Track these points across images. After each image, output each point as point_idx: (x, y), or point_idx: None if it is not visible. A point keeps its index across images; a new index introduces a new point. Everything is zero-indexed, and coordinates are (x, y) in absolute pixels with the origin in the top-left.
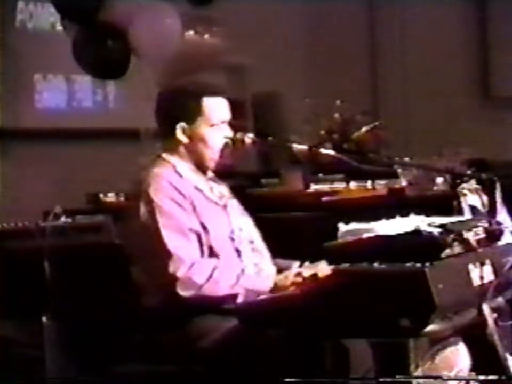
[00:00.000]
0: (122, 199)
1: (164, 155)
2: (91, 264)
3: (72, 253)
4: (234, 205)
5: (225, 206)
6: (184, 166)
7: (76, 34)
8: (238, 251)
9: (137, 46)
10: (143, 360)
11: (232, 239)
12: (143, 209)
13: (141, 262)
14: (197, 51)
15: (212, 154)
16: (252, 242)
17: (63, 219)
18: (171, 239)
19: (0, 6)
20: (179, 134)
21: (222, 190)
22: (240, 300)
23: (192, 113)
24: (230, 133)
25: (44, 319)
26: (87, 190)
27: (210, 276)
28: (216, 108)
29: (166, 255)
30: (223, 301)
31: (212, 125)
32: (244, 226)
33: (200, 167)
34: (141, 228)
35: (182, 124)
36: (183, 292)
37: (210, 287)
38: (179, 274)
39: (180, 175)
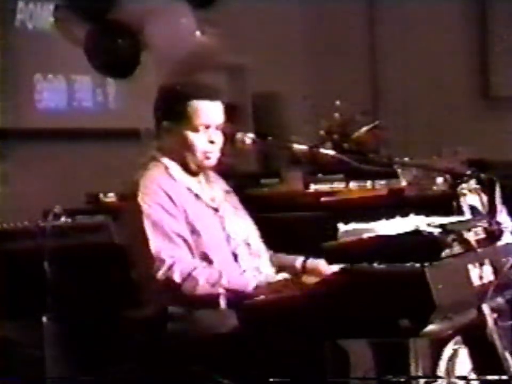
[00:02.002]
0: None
1: (157, 155)
2: (91, 264)
3: (72, 253)
4: (228, 208)
5: (217, 209)
6: (176, 168)
7: (88, 32)
8: (234, 255)
9: (152, 45)
10: (143, 360)
11: (228, 243)
12: (130, 211)
13: (131, 263)
14: (203, 51)
15: (193, 157)
16: (248, 245)
17: (63, 219)
18: (155, 242)
19: (0, 6)
20: (164, 133)
21: (215, 192)
22: (221, 300)
23: (176, 114)
24: (217, 138)
25: (44, 319)
26: (87, 190)
27: (189, 274)
28: (203, 112)
29: (149, 257)
30: (203, 300)
31: (195, 128)
32: (239, 229)
33: (186, 169)
34: (128, 230)
35: (166, 123)
36: (163, 293)
37: (189, 286)
38: (159, 275)
39: (173, 178)
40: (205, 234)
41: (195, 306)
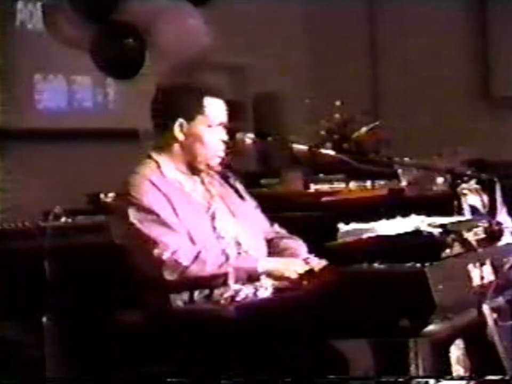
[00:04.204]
0: None
1: (153, 154)
2: (91, 264)
3: (72, 253)
4: (221, 206)
5: (209, 208)
6: (171, 166)
7: (94, 33)
8: (224, 254)
9: (159, 45)
10: (143, 360)
11: (218, 242)
12: (124, 205)
13: (131, 259)
14: (206, 51)
15: (206, 155)
16: (238, 244)
17: (63, 219)
18: (153, 228)
19: (0, 7)
20: (176, 131)
21: (210, 190)
22: (230, 279)
23: (192, 110)
24: (225, 137)
25: (44, 319)
26: (87, 190)
27: (197, 257)
28: (216, 109)
29: (151, 243)
30: (211, 281)
31: (210, 125)
32: (231, 227)
33: (192, 166)
34: (125, 225)
35: (181, 120)
36: (169, 276)
37: (197, 268)
38: (164, 257)
39: (164, 175)
40: (193, 232)
41: (202, 287)
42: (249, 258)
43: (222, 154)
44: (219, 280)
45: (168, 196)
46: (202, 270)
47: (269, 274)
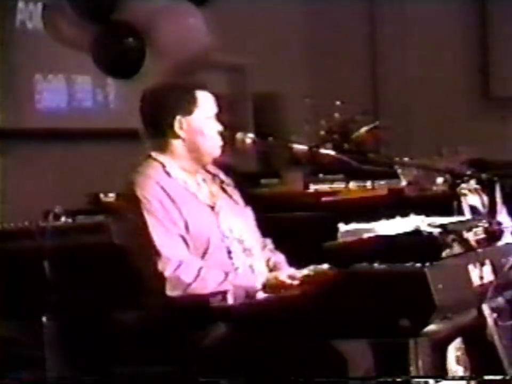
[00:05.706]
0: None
1: (154, 154)
2: (91, 264)
3: (72, 253)
4: (224, 205)
5: (213, 207)
6: (174, 165)
7: (94, 32)
8: (229, 252)
9: (159, 45)
10: (143, 360)
11: (222, 241)
12: (131, 209)
13: (134, 260)
14: (207, 50)
15: (209, 147)
16: (242, 242)
17: (63, 219)
18: (158, 239)
19: (0, 6)
20: (176, 127)
21: (212, 189)
22: (229, 297)
23: (189, 104)
24: (221, 128)
25: (44, 319)
26: (87, 190)
27: (198, 274)
28: (208, 101)
29: (154, 254)
30: (212, 299)
31: (208, 117)
32: (234, 226)
33: (197, 162)
34: (130, 228)
35: (179, 117)
36: (171, 292)
37: (198, 285)
38: (167, 273)
39: (169, 175)
40: (199, 232)
41: (201, 303)
42: (249, 276)
43: (221, 143)
44: (218, 297)
45: (175, 199)
46: (204, 288)
47: (266, 288)
